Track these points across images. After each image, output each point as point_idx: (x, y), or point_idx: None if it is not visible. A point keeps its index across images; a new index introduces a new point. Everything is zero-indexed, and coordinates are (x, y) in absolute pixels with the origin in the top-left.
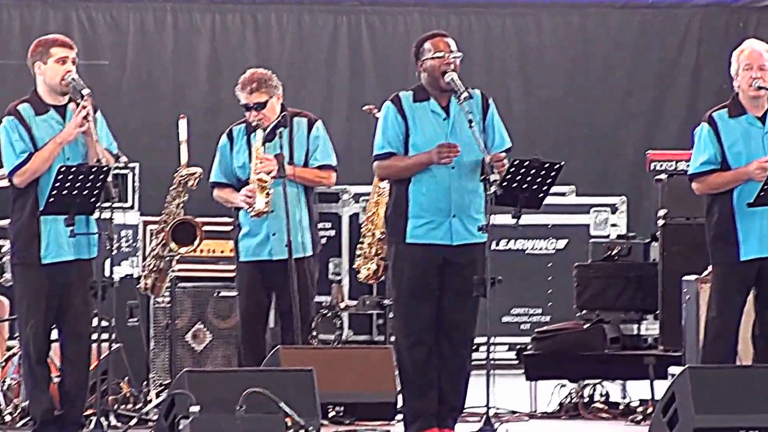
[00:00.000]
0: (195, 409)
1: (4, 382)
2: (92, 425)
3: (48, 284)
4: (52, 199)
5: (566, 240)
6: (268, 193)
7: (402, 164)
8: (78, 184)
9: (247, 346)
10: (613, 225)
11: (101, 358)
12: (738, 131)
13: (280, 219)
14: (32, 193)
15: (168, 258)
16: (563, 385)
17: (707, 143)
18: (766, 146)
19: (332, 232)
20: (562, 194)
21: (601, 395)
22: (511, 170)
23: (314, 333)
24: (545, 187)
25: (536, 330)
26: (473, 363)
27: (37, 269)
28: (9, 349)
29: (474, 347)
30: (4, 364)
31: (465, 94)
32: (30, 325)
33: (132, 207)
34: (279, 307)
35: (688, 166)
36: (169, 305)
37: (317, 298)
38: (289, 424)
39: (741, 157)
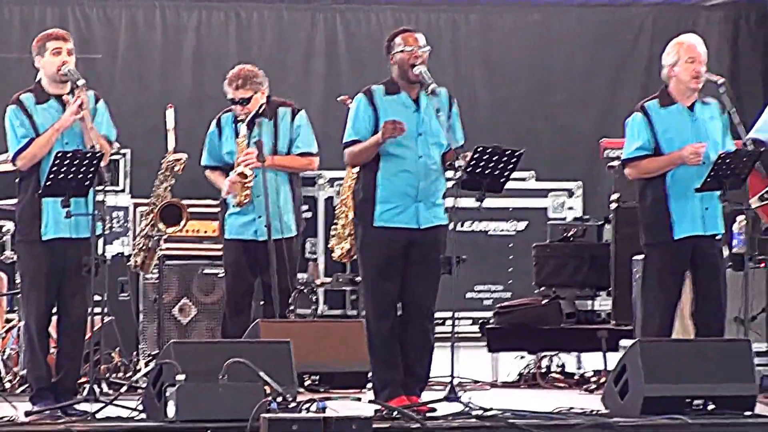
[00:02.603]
0: (181, 377)
1: (3, 352)
2: (85, 392)
3: (48, 261)
4: (49, 183)
5: (526, 222)
6: (248, 186)
7: (359, 147)
8: (73, 169)
9: (232, 320)
10: (570, 208)
11: (94, 330)
12: (669, 120)
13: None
14: (35, 175)
15: (156, 237)
16: (522, 357)
17: (641, 130)
18: (696, 133)
19: (309, 214)
20: (523, 179)
21: (558, 366)
22: (475, 157)
23: (292, 308)
24: (507, 173)
25: (498, 305)
26: (438, 336)
27: (39, 246)
28: (8, 321)
29: (440, 321)
30: (4, 335)
31: (433, 86)
32: (32, 300)
33: (123, 190)
34: (263, 284)
35: None
36: (157, 281)
37: None
38: (268, 391)
39: (673, 143)
